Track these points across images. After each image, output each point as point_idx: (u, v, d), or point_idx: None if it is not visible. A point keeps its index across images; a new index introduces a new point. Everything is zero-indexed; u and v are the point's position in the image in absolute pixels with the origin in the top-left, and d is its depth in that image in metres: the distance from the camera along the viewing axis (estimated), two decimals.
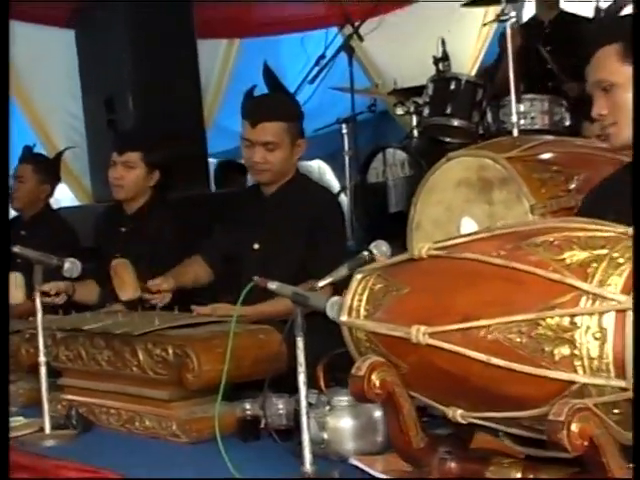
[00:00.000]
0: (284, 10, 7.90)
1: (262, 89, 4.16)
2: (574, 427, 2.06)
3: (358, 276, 2.54)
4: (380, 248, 2.92)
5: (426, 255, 2.42)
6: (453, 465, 2.48)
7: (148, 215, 4.69)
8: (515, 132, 5.46)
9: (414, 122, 6.28)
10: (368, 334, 2.45)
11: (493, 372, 2.19)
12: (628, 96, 2.71)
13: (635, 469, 2.07)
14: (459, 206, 3.45)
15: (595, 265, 2.12)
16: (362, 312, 2.47)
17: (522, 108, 5.71)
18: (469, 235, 2.44)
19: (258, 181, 4.18)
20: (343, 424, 3.00)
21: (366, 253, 2.91)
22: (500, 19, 5.66)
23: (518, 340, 2.15)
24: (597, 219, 2.37)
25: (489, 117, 5.95)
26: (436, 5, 7.87)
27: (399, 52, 7.73)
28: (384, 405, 2.47)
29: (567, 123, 5.91)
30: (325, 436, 2.99)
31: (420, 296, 2.38)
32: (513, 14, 5.76)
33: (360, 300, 2.49)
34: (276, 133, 4.00)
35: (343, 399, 3.04)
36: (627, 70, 2.70)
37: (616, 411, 2.11)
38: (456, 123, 5.95)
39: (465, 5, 6.34)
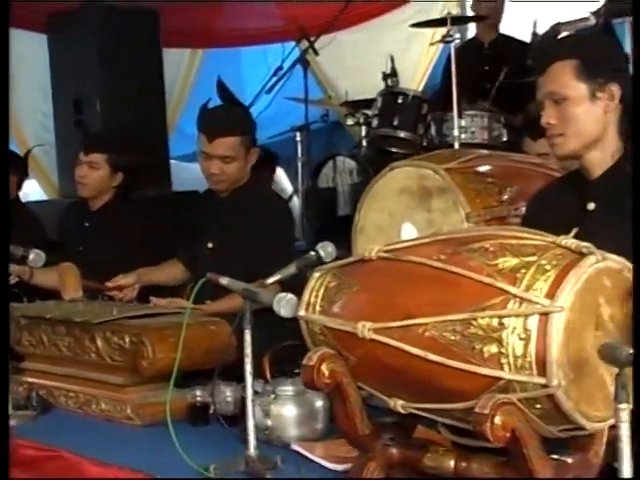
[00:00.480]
0: (245, 23, 7.89)
1: (217, 101, 4.17)
2: (497, 420, 2.10)
3: (316, 274, 2.56)
4: (326, 249, 2.94)
5: (376, 257, 2.45)
6: (395, 451, 2.50)
7: (111, 212, 4.67)
8: (456, 145, 5.49)
9: (363, 132, 6.28)
10: (322, 328, 2.48)
11: (430, 367, 2.22)
12: (578, 110, 2.73)
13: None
14: (400, 212, 3.47)
15: (524, 271, 2.15)
16: (317, 307, 2.50)
17: (463, 123, 5.74)
18: (414, 240, 2.49)
19: (215, 190, 4.18)
20: (286, 412, 3.03)
21: (313, 253, 2.93)
22: (445, 40, 5.69)
23: (452, 338, 2.18)
24: (538, 226, 2.41)
25: (433, 130, 5.96)
26: (386, 25, 7.91)
27: (351, 67, 7.74)
28: (332, 394, 2.49)
29: (504, 139, 5.94)
30: (269, 423, 3.01)
31: (368, 294, 2.42)
32: (458, 35, 5.81)
33: (316, 296, 2.52)
34: (232, 147, 4.01)
35: (287, 389, 3.07)
36: (580, 87, 2.73)
37: (538, 406, 2.15)
38: (402, 135, 5.96)
39: (414, 25, 6.36)
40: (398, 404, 2.38)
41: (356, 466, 2.54)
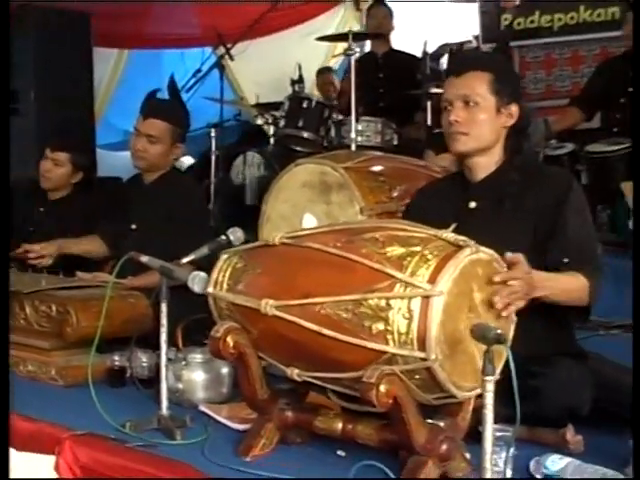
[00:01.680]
0: (167, 29, 7.81)
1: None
2: (382, 388, 2.15)
3: (224, 256, 2.57)
4: (235, 234, 2.94)
5: (279, 242, 2.47)
6: (290, 414, 2.53)
7: (66, 204, 4.60)
8: (353, 146, 5.53)
9: (271, 131, 6.29)
10: (228, 304, 2.49)
11: (324, 340, 2.25)
12: (484, 118, 2.74)
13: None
14: (302, 204, 3.49)
15: (409, 259, 2.20)
16: (225, 286, 2.51)
17: (360, 127, 5.77)
18: (313, 229, 2.51)
19: (136, 166, 4.14)
20: (195, 377, 3.04)
21: (224, 237, 2.93)
22: (347, 53, 5.72)
23: (345, 316, 2.22)
24: (421, 218, 2.45)
25: (332, 132, 5.99)
26: (294, 36, 7.92)
27: (262, 72, 7.73)
28: (236, 363, 2.51)
29: (395, 143, 6.02)
30: (180, 386, 3.02)
31: (271, 275, 2.43)
32: (357, 49, 5.85)
33: (224, 276, 2.52)
34: (159, 130, 3.98)
35: (197, 356, 3.07)
36: (491, 98, 2.74)
37: (417, 377, 2.20)
38: (305, 135, 5.96)
39: (320, 39, 6.38)
40: (294, 373, 2.41)
41: (255, 426, 2.56)
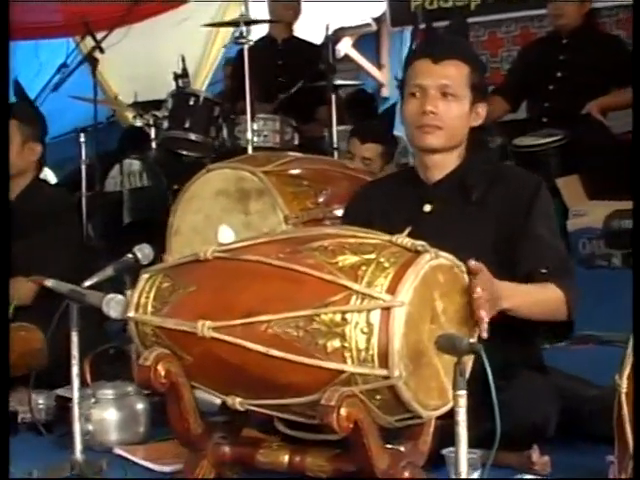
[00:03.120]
0: (20, 15, 7.73)
1: None
2: (343, 411, 2.26)
3: (145, 275, 2.64)
4: (143, 251, 3.05)
5: (211, 256, 2.56)
6: (227, 449, 2.63)
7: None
8: (250, 149, 5.63)
9: (153, 134, 6.32)
10: (154, 329, 2.57)
11: (272, 362, 2.36)
12: (461, 111, 2.86)
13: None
14: (217, 215, 3.58)
15: (364, 268, 2.33)
16: (149, 308, 2.59)
17: (256, 126, 5.88)
18: (251, 239, 2.60)
19: None
20: (107, 416, 3.12)
21: (130, 256, 3.03)
22: (239, 41, 5.82)
23: (295, 334, 2.33)
24: (366, 222, 2.59)
25: (225, 133, 6.09)
26: (168, 22, 7.96)
27: (139, 66, 7.77)
28: (167, 394, 2.58)
29: (296, 142, 6.15)
30: (90, 427, 3.08)
31: (206, 294, 2.52)
32: (251, 37, 5.95)
33: (147, 297, 2.60)
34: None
35: (108, 392, 3.15)
36: (468, 92, 2.87)
37: (378, 397, 2.33)
38: (193, 137, 6.04)
39: (207, 25, 6.46)
40: (236, 401, 2.51)
41: (189, 465, 2.65)
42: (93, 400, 3.12)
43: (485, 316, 2.38)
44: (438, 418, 2.48)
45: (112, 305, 2.72)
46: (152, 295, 2.60)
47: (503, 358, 2.57)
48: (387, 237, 2.42)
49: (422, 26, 6.60)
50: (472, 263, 2.41)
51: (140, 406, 3.15)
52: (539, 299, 2.74)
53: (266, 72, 6.37)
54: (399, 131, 6.50)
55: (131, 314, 2.62)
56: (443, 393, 2.37)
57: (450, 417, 2.21)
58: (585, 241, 5.01)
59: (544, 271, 2.75)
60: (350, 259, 2.35)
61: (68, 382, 2.89)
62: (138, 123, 6.50)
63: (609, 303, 4.12)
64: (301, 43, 6.87)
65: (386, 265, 2.32)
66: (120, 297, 2.72)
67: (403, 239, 2.39)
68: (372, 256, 2.35)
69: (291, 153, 4.23)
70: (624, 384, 2.30)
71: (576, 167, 5.30)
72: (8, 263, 3.25)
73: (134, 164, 6.21)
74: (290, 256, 2.42)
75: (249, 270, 2.47)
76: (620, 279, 4.43)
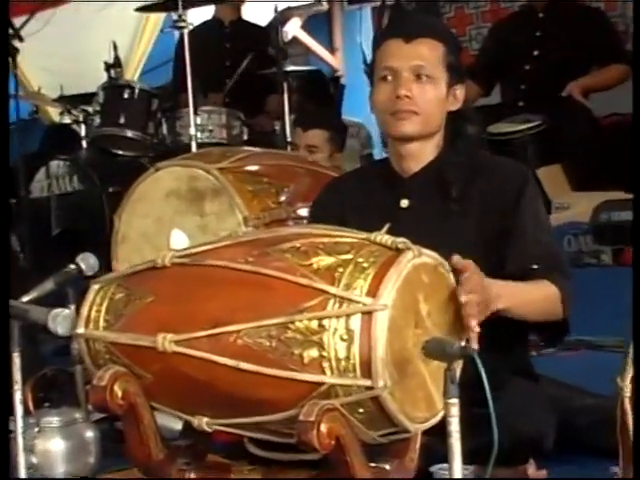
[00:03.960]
0: None
1: None
2: (323, 427, 2.30)
3: (95, 286, 2.67)
4: (87, 261, 3.09)
5: (170, 263, 2.59)
6: (192, 475, 2.66)
7: None
8: (193, 145, 5.66)
9: (83, 132, 6.33)
10: (108, 345, 2.60)
11: (242, 377, 2.40)
12: (437, 94, 2.91)
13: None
14: (169, 218, 3.64)
15: (341, 270, 2.38)
16: (102, 323, 2.62)
17: (199, 121, 5.94)
18: (213, 242, 2.63)
19: None
20: (53, 446, 3.13)
21: (73, 266, 3.07)
22: (178, 25, 5.87)
23: (268, 344, 2.37)
24: (338, 220, 2.66)
25: (165, 129, 6.13)
26: (91, 7, 7.97)
27: (66, 55, 7.77)
28: (125, 416, 2.60)
29: (245, 137, 6.20)
30: (34, 460, 3.08)
31: (166, 304, 2.55)
32: (190, 20, 6.00)
33: (99, 311, 2.62)
34: None
35: (53, 420, 3.16)
36: (444, 74, 2.92)
37: (361, 410, 2.38)
38: (129, 134, 6.09)
39: (140, 10, 6.50)
40: (203, 422, 2.54)
41: None
42: (37, 429, 3.12)
43: (475, 326, 2.44)
44: (424, 434, 2.54)
45: (59, 321, 2.70)
46: (104, 308, 2.63)
47: (490, 364, 2.50)
48: (364, 235, 2.46)
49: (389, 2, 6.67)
50: (458, 260, 2.48)
51: (89, 434, 3.17)
52: (535, 297, 2.80)
53: (213, 57, 6.43)
54: (359, 117, 6.62)
55: (81, 330, 2.64)
56: (431, 404, 2.43)
57: (437, 434, 2.28)
58: (570, 237, 5.06)
59: (535, 267, 2.81)
60: (325, 260, 2.40)
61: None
62: (66, 120, 6.52)
63: (600, 305, 4.20)
64: (250, 26, 6.94)
65: (365, 265, 2.37)
66: (68, 312, 2.73)
67: (382, 236, 2.44)
68: (349, 256, 2.40)
69: (248, 148, 4.28)
70: (627, 388, 2.36)
71: (557, 156, 5.39)
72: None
73: (62, 166, 6.22)
74: (258, 259, 2.46)
75: (213, 276, 2.51)
76: (611, 278, 4.54)
